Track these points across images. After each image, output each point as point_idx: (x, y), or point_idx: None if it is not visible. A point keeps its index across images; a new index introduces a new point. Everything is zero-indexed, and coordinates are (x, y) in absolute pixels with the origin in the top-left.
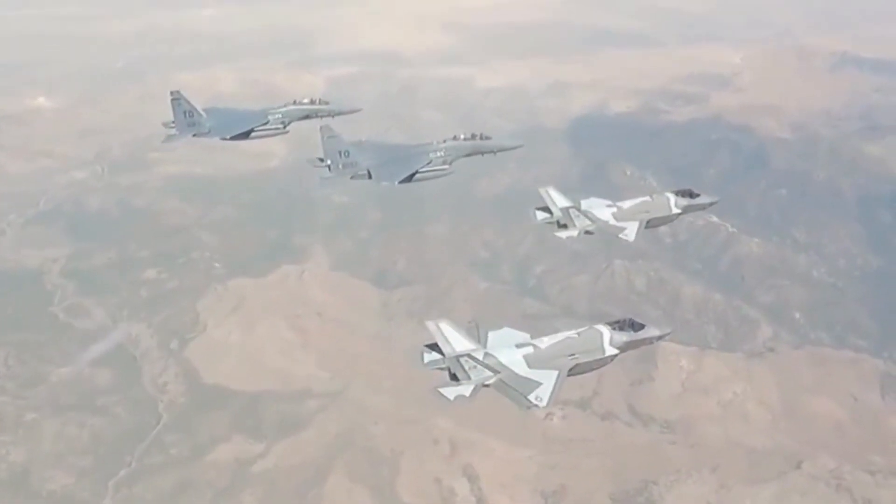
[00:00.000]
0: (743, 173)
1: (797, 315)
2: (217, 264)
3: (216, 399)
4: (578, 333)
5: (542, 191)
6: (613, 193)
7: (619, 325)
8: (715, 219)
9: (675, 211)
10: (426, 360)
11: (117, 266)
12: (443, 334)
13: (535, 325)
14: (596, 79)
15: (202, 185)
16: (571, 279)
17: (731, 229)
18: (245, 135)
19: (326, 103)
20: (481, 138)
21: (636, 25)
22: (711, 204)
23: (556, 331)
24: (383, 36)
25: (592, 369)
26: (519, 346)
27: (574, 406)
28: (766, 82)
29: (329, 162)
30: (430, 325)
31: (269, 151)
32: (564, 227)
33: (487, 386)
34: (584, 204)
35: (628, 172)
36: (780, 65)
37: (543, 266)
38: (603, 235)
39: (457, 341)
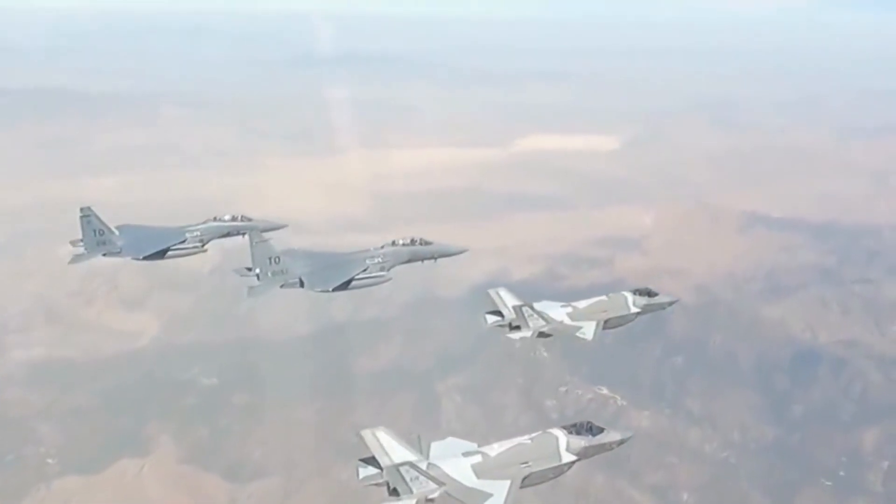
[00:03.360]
0: (638, 340)
1: (685, 496)
2: (51, 460)
3: None
4: (531, 439)
5: (492, 292)
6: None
7: (575, 429)
8: (605, 391)
9: (634, 310)
10: (361, 476)
11: None
12: (380, 444)
13: None
14: (502, 245)
15: (58, 369)
16: None
17: (621, 402)
18: (160, 254)
19: (249, 219)
20: (421, 244)
21: (550, 190)
22: (671, 304)
23: None
24: (290, 204)
25: (548, 479)
26: (466, 454)
27: None
28: (674, 244)
29: (258, 270)
30: (367, 434)
31: (138, 331)
32: (517, 328)
33: (431, 501)
34: (538, 306)
35: (518, 343)
36: (690, 226)
37: None
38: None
39: (396, 452)
